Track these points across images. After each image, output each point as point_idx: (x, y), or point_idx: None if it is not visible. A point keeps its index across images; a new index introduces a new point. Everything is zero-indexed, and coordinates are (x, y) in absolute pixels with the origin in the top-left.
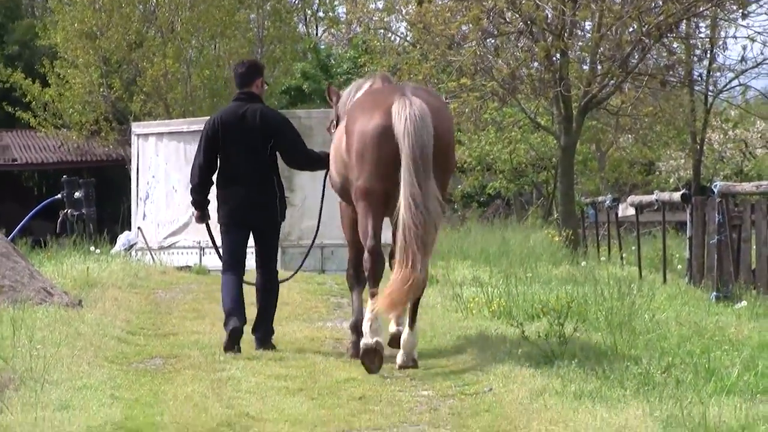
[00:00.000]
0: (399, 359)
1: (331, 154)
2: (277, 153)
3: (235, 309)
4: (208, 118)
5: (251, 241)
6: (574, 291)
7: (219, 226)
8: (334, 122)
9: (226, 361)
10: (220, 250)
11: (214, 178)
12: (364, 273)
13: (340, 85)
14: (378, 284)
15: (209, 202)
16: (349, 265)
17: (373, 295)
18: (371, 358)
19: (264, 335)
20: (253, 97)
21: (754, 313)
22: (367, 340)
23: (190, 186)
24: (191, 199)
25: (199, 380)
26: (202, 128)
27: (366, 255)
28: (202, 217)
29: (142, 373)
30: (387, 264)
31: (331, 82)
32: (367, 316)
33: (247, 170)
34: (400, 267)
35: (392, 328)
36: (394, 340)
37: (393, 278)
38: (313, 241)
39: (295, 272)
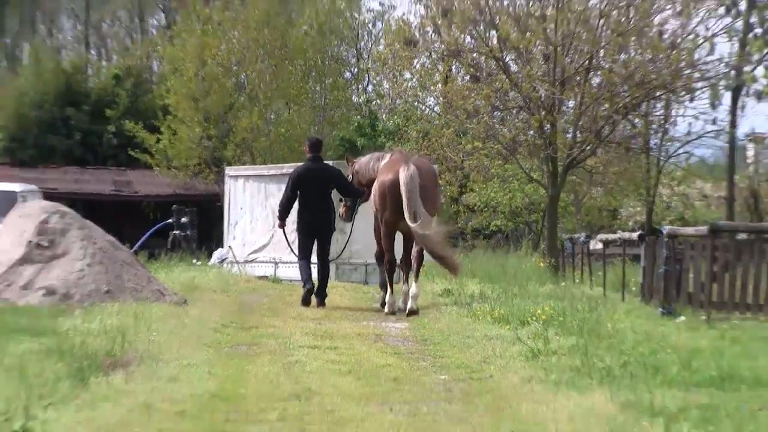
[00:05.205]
0: (408, 305)
1: (372, 195)
2: (335, 189)
3: (309, 278)
4: (293, 170)
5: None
6: (555, 305)
7: (297, 233)
8: (350, 177)
9: (294, 348)
10: (293, 247)
11: (295, 206)
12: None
13: (383, 143)
14: (392, 280)
15: (288, 216)
16: (377, 252)
17: (383, 287)
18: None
19: (321, 297)
20: (318, 159)
21: (690, 326)
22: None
23: (279, 210)
24: (278, 216)
25: (274, 363)
26: (279, 172)
27: (385, 261)
28: (282, 225)
29: (232, 356)
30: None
31: (351, 155)
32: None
33: (315, 202)
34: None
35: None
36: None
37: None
38: (345, 247)
39: (339, 255)
